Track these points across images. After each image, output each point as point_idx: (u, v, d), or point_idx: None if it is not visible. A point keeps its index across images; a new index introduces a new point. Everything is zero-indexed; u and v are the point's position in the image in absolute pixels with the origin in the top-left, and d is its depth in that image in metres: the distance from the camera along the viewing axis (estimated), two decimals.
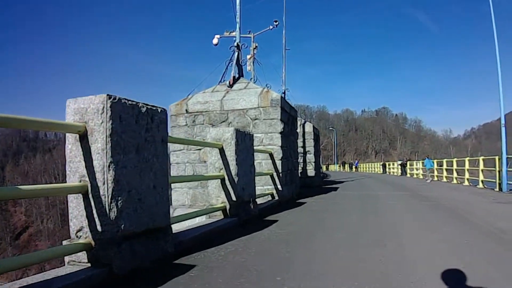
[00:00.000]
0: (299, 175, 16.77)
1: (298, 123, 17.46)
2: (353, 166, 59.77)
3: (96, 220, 3.45)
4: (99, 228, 3.43)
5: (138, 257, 3.73)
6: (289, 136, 11.29)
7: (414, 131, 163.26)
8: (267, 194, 9.79)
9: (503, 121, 13.83)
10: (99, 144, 3.46)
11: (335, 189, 15.32)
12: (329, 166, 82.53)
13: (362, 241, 5.03)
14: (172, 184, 11.53)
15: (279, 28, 20.71)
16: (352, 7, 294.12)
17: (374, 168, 50.19)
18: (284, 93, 19.34)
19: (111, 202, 3.44)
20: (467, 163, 18.28)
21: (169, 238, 4.28)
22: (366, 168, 56.20)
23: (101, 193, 3.40)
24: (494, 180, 14.72)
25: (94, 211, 3.45)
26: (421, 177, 27.51)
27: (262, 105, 10.35)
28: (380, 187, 17.57)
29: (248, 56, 17.30)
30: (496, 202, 9.99)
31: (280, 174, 10.01)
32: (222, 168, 6.57)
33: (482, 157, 16.53)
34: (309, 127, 17.35)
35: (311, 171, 16.93)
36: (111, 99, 3.50)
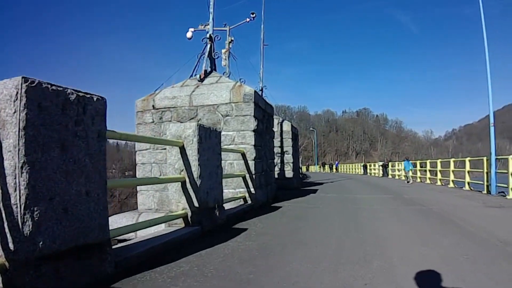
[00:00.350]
0: (276, 176, 16.16)
1: (276, 121, 16.82)
2: (334, 167, 59.54)
3: (8, 236, 2.75)
4: (11, 246, 2.73)
5: (66, 282, 3.02)
6: (264, 134, 10.64)
7: (395, 132, 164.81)
8: (239, 198, 9.11)
9: (492, 120, 13.44)
10: (11, 139, 2.76)
11: (314, 191, 14.76)
12: (309, 167, 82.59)
13: (344, 258, 4.30)
14: (138, 187, 10.72)
15: (258, 24, 20.11)
16: (334, 8, 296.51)
17: (355, 169, 50.03)
18: (261, 90, 18.63)
19: (24, 214, 2.76)
20: (452, 164, 17.88)
21: (107, 256, 3.54)
22: (346, 169, 56.04)
23: (12, 202, 2.74)
24: (481, 182, 14.34)
25: (6, 225, 2.76)
26: (403, 178, 27.13)
27: (234, 101, 9.66)
28: (361, 189, 17.06)
29: (223, 50, 16.61)
30: (487, 206, 9.54)
31: (254, 176, 9.34)
32: (182, 170, 5.86)
33: (468, 158, 16.13)
34: (287, 126, 16.69)
35: (289, 172, 16.28)
36: (27, 83, 2.81)
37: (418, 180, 23.42)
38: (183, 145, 5.87)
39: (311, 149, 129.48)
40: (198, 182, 5.80)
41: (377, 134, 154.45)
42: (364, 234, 5.76)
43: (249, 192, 9.22)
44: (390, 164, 33.28)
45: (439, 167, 19.87)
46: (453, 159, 18.80)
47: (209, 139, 6.28)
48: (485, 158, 14.05)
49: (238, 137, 9.47)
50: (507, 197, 11.79)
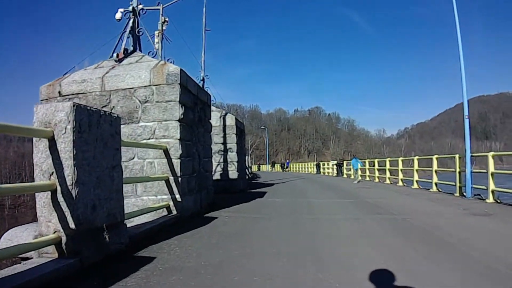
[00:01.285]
0: (219, 177, 14.30)
1: (218, 114, 14.95)
2: (285, 166, 58.46)
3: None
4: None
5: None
6: (195, 126, 8.74)
7: (347, 130, 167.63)
8: (160, 208, 7.18)
9: (466, 113, 12.03)
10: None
11: (262, 194, 13.04)
12: (261, 166, 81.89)
13: None
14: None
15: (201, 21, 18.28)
16: (287, 8, 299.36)
17: (308, 168, 49.08)
18: (203, 80, 16.63)
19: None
20: (416, 162, 16.72)
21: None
22: (299, 168, 55.04)
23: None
24: (452, 183, 13.07)
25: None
26: (360, 178, 26.38)
27: (155, 83, 7.71)
28: (316, 191, 15.60)
29: (156, 33, 14.60)
30: (472, 214, 8.14)
31: (180, 179, 7.41)
32: (53, 172, 3.90)
33: (436, 156, 14.87)
34: (231, 120, 14.77)
35: (233, 173, 14.40)
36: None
37: (372, 179, 22.62)
38: (53, 136, 3.91)
39: (263, 148, 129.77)
40: (74, 192, 3.85)
41: (330, 133, 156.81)
42: (328, 269, 4.00)
43: (173, 199, 7.30)
44: (344, 163, 32.30)
45: (400, 166, 18.60)
46: (417, 157, 17.47)
47: (98, 127, 4.33)
48: (457, 156, 12.80)
49: (160, 129, 7.53)
50: (487, 201, 10.46)
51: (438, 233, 5.94)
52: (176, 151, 7.38)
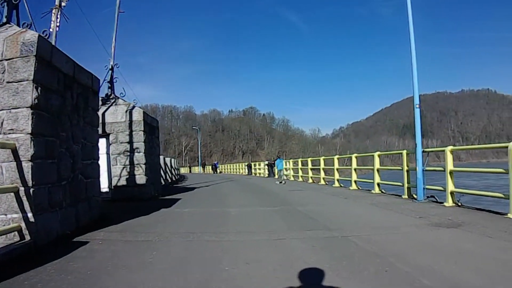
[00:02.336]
0: (125, 183, 12.15)
1: (125, 108, 12.75)
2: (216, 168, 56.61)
3: None
4: None
5: None
6: (66, 117, 6.60)
7: (282, 130, 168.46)
8: (11, 231, 5.08)
9: (416, 101, 10.56)
10: None
11: (173, 202, 11.02)
12: (193, 168, 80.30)
13: None
14: None
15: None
16: (224, 9, 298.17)
17: (239, 169, 47.69)
18: (111, 69, 14.33)
19: None
20: (354, 161, 15.18)
21: None
22: (231, 169, 53.56)
23: None
24: (398, 184, 11.73)
25: None
26: (292, 178, 25.54)
27: (7, 56, 5.55)
28: (240, 196, 13.93)
29: (54, 10, 12.29)
30: (434, 225, 6.66)
31: (32, 190, 5.30)
32: None
33: (378, 153, 13.60)
34: (138, 115, 12.48)
35: (140, 177, 12.16)
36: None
37: (306, 180, 21.61)
38: None
39: (197, 149, 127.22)
40: None
41: (264, 133, 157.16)
42: None
43: (25, 218, 5.22)
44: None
45: (336, 165, 17.36)
46: (355, 154, 15.92)
47: None
48: (404, 152, 11.40)
49: (9, 119, 5.39)
50: (445, 204, 9.07)
51: (402, 266, 4.19)
52: (26, 151, 5.27)
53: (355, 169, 15.23)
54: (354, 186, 14.88)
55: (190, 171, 71.58)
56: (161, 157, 21.63)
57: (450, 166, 9.13)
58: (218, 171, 55.01)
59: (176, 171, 33.38)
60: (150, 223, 7.58)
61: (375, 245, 5.24)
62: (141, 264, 4.58)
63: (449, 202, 8.98)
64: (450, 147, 9.48)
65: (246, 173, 40.61)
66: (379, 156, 13.43)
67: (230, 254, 4.99)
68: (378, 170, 13.06)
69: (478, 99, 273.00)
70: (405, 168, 11.10)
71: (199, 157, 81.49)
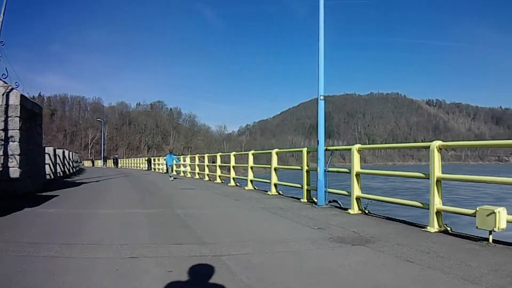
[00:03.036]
0: None
1: (3, 90, 10.94)
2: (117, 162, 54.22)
3: None
4: None
5: None
6: None
7: (188, 126, 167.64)
8: None
9: (321, 92, 8.76)
10: None
11: (45, 200, 9.56)
12: (96, 161, 76.78)
13: None
14: None
15: None
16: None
17: (140, 163, 46.05)
18: None
19: None
20: (251, 158, 14.27)
21: None
22: (131, 164, 51.87)
23: None
24: (297, 185, 10.70)
25: None
26: (189, 175, 24.90)
27: None
28: (122, 194, 12.69)
29: None
30: (336, 240, 5.33)
31: None
32: None
33: (276, 150, 12.25)
34: (15, 98, 10.65)
35: (14, 171, 10.49)
36: None
37: (202, 177, 20.75)
38: None
39: (103, 142, 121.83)
40: None
41: (170, 128, 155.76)
42: None
43: None
44: (181, 158, 30.04)
45: (232, 163, 16.47)
46: (252, 151, 14.99)
47: None
48: (304, 150, 10.17)
49: None
50: (350, 211, 7.85)
51: None
52: None
53: (251, 168, 14.16)
54: (250, 186, 13.75)
55: (93, 165, 67.94)
56: (51, 149, 19.64)
57: (356, 167, 7.95)
58: (120, 165, 52.76)
59: (73, 164, 30.87)
60: None
61: (253, 272, 3.86)
62: None
63: (355, 209, 7.78)
64: (358, 145, 8.09)
65: (146, 168, 39.12)
66: (277, 153, 12.16)
67: (58, 281, 3.54)
68: (275, 169, 12.03)
69: (387, 102, 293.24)
70: (305, 168, 9.92)
71: (102, 150, 77.68)
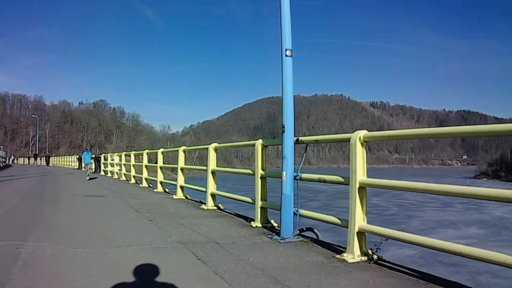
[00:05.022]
0: None
1: None
2: (49, 159, 53.06)
3: None
4: None
5: None
6: None
7: (131, 125, 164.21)
8: None
9: (288, 46, 4.81)
10: None
11: None
12: (30, 159, 73.83)
13: None
14: None
15: None
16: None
17: (71, 162, 44.70)
18: None
19: None
20: (160, 157, 12.82)
21: None
22: (62, 162, 50.55)
23: None
24: (202, 189, 8.54)
25: None
26: (116, 176, 21.45)
27: None
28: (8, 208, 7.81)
29: None
30: None
31: None
32: None
33: (183, 147, 10.60)
34: None
35: None
36: None
37: (120, 177, 20.10)
38: None
39: (44, 140, 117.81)
40: None
41: (113, 127, 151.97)
42: None
43: None
44: (103, 156, 29.57)
45: (132, 161, 15.80)
46: (161, 150, 13.15)
47: None
48: (259, 143, 6.03)
49: None
50: (345, 257, 3.90)
51: None
52: None
53: (160, 168, 12.67)
54: (180, 194, 10.27)
55: (29, 162, 65.22)
56: None
57: (360, 173, 4.22)
58: (51, 163, 51.68)
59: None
60: None
61: None
62: None
63: (354, 252, 3.89)
64: (364, 132, 3.95)
65: (77, 166, 38.65)
66: (216, 150, 8.33)
67: None
68: (213, 172, 8.21)
69: (331, 104, 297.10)
70: (259, 172, 6.00)
71: (37, 148, 75.38)
